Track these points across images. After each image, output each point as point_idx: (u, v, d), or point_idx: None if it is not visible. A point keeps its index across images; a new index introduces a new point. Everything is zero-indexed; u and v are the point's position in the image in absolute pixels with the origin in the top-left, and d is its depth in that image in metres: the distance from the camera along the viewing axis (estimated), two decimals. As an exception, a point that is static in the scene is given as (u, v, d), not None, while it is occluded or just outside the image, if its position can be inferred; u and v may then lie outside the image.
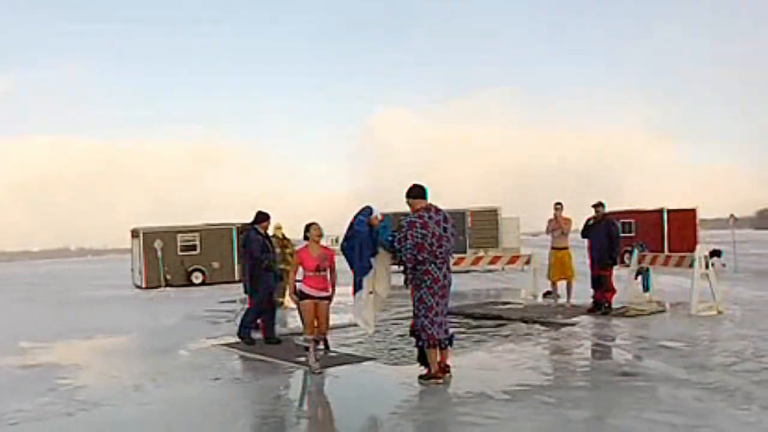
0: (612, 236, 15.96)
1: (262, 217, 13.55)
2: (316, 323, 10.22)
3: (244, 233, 13.75)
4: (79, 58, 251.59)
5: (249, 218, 13.82)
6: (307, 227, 10.49)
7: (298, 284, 10.35)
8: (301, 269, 10.31)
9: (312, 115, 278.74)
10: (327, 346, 11.24)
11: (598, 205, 16.26)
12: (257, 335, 13.43)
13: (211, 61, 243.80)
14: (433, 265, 9.29)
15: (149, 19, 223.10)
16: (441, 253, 9.36)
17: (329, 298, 10.39)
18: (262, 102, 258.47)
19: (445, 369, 9.51)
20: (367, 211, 9.83)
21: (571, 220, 16.69)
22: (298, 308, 10.41)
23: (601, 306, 15.93)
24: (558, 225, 17.05)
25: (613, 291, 16.17)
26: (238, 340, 13.26)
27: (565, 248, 17.23)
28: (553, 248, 17.53)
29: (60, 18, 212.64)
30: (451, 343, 9.70)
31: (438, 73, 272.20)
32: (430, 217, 9.46)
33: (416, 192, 9.72)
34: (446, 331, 9.51)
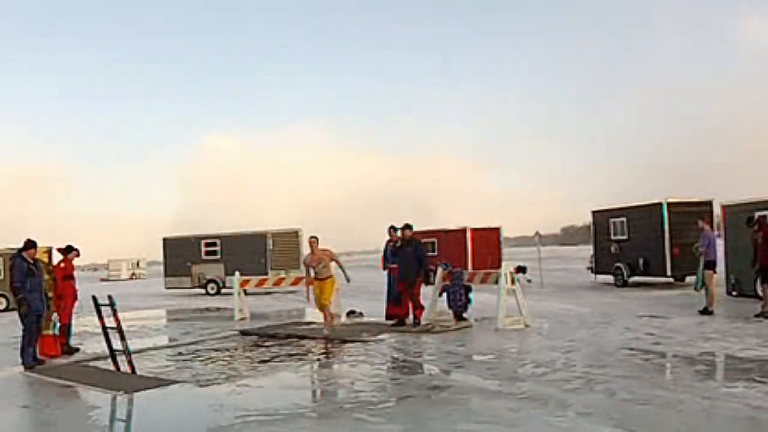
0: (420, 256, 16.11)
1: (29, 245, 13.50)
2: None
3: (11, 259, 13.61)
4: None
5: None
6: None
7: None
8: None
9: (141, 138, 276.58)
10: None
11: (405, 228, 16.44)
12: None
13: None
14: None
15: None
16: None
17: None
18: (87, 124, 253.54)
19: None
20: None
21: (330, 250, 16.34)
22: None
23: (403, 322, 15.96)
24: (316, 258, 16.49)
25: (422, 308, 16.25)
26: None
27: (328, 278, 16.71)
28: (316, 279, 16.96)
29: None
30: None
31: (262, 101, 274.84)
32: None
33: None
34: None
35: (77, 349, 14.85)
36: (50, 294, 14.79)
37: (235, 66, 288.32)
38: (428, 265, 16.74)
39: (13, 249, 16.51)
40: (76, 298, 15.39)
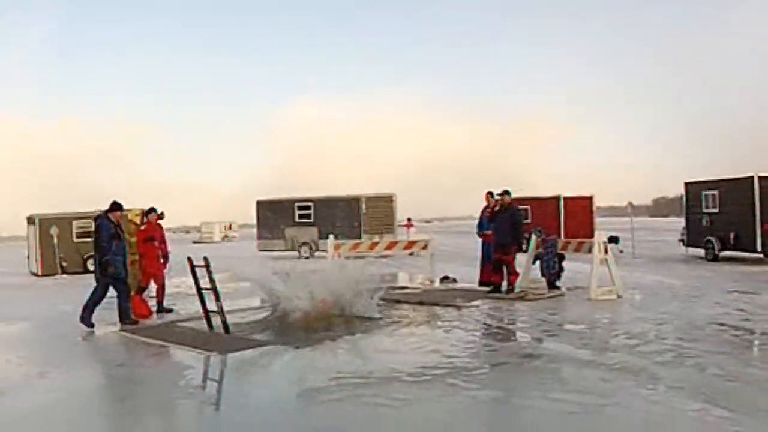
0: (516, 223, 16.23)
1: (114, 207, 13.82)
2: None
3: (97, 221, 13.85)
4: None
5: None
6: None
7: None
8: None
9: (224, 102, 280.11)
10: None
11: (504, 193, 16.48)
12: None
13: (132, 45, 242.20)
14: None
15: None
16: None
17: None
18: (176, 87, 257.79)
19: None
20: None
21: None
22: None
23: (499, 289, 16.05)
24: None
25: (516, 274, 16.39)
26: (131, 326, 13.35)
27: None
28: None
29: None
30: None
31: (351, 65, 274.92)
32: None
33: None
34: None
35: (171, 310, 15.32)
36: (134, 257, 15.18)
37: (330, 26, 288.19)
38: (523, 232, 16.82)
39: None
40: (161, 259, 15.66)
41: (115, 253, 13.39)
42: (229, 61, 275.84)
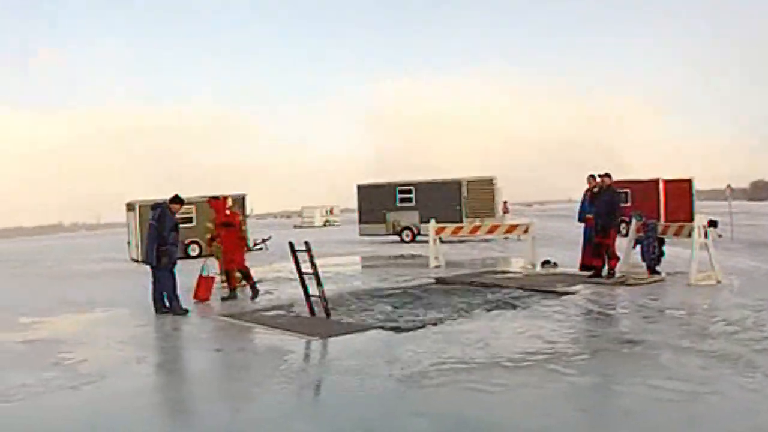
0: (615, 204, 16.26)
1: (176, 200, 14.28)
2: None
3: (157, 209, 14.18)
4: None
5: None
6: None
7: None
8: None
9: (318, 84, 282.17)
10: None
11: (606, 176, 16.50)
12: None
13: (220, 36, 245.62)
14: None
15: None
16: None
17: None
18: (269, 73, 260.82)
19: None
20: None
21: None
22: None
23: (599, 273, 16.16)
24: None
25: (617, 258, 16.38)
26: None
27: None
28: None
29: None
30: None
31: (452, 43, 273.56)
32: None
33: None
34: None
35: (257, 291, 15.62)
36: (214, 241, 16.05)
37: (426, 6, 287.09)
38: (621, 215, 16.78)
39: (209, 198, 17.45)
40: (237, 245, 15.88)
41: (171, 243, 13.85)
42: (325, 43, 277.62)
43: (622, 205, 19.47)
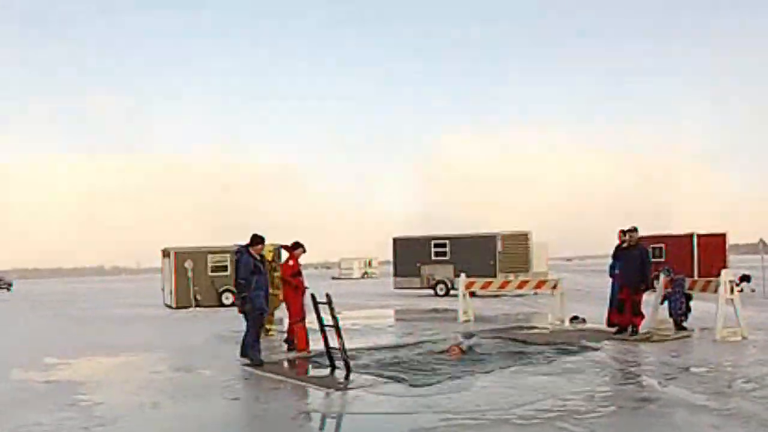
0: (644, 261, 16.02)
1: (256, 240, 13.81)
2: None
3: (237, 254, 13.92)
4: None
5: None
6: None
7: None
8: None
9: (372, 138, 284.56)
10: None
11: (633, 230, 16.38)
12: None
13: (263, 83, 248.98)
14: None
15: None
16: None
17: None
18: (316, 124, 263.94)
19: None
20: None
21: None
22: None
23: (625, 330, 15.95)
24: None
25: (642, 316, 16.20)
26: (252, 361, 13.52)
27: None
28: None
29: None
30: None
31: (499, 100, 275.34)
32: None
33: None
34: None
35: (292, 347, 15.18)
36: (276, 291, 15.72)
37: (475, 63, 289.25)
38: (651, 270, 16.66)
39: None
40: (304, 294, 15.09)
41: (255, 288, 13.41)
42: (375, 97, 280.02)
43: (654, 260, 19.31)
